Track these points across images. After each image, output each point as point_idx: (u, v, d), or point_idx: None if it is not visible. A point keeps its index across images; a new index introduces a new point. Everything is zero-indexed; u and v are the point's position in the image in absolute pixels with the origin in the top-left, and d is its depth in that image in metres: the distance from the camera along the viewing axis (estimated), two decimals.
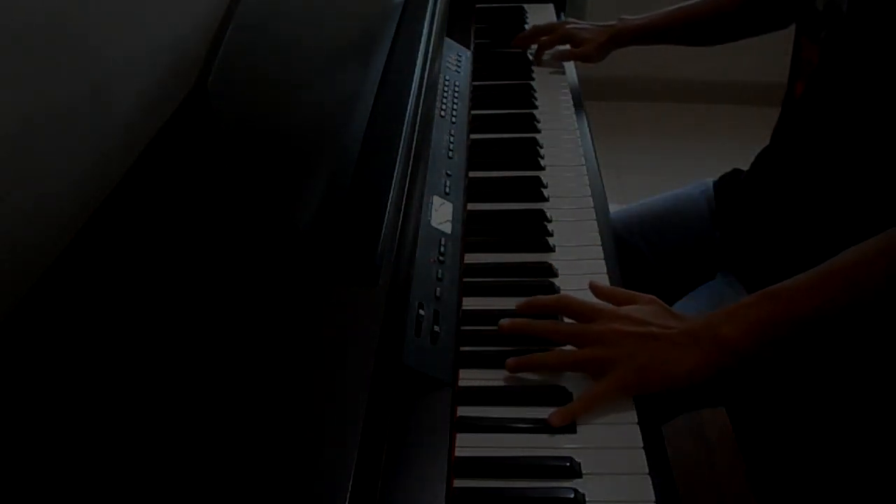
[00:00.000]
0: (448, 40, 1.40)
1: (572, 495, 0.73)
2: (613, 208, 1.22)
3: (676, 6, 1.44)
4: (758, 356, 0.78)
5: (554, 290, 0.97)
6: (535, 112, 1.34)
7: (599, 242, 1.04)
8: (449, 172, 1.09)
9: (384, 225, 0.81)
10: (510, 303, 0.95)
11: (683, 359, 0.77)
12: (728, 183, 1.31)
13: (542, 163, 1.21)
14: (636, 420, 0.80)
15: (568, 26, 1.48)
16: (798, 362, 1.09)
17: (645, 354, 0.78)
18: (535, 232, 1.07)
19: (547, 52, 1.49)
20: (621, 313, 0.82)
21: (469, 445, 0.78)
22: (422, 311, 0.85)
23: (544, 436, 0.79)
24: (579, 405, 0.78)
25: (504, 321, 0.86)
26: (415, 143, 0.97)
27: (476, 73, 1.43)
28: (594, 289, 0.88)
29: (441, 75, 1.28)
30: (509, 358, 0.83)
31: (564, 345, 0.84)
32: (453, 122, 1.21)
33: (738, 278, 1.18)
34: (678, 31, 1.45)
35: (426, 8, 1.26)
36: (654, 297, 0.84)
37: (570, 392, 0.83)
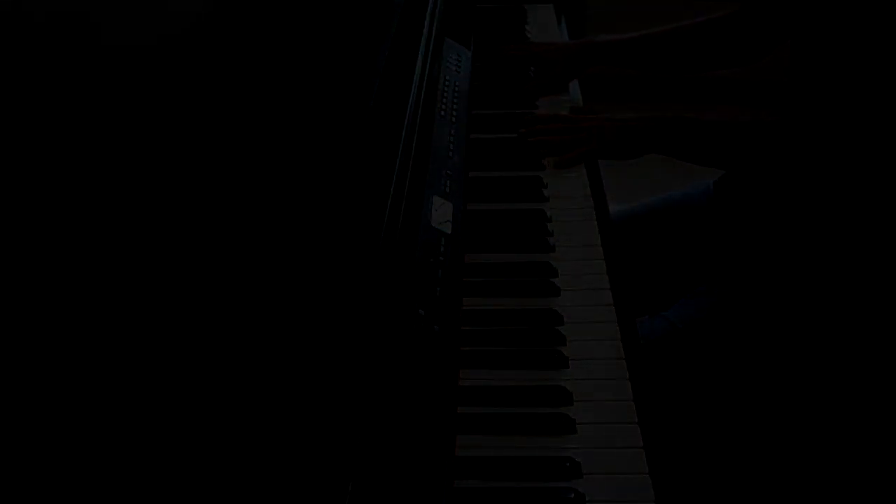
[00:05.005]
0: (448, 40, 1.40)
1: (572, 495, 0.73)
2: (613, 208, 1.22)
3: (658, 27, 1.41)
4: (651, 129, 1.27)
5: (554, 290, 0.97)
6: (535, 112, 1.34)
7: (599, 242, 1.04)
8: (449, 172, 1.09)
9: (384, 225, 0.81)
10: (510, 303, 0.95)
11: (615, 128, 1.24)
12: (728, 183, 1.31)
13: (543, 162, 1.21)
14: (636, 420, 0.80)
15: (535, 49, 1.47)
16: (795, 363, 1.09)
17: (603, 130, 1.24)
18: (535, 232, 1.07)
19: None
20: (586, 120, 1.26)
21: (469, 445, 0.78)
22: (422, 311, 0.85)
23: (544, 436, 0.79)
24: (574, 155, 1.19)
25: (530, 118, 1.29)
26: (415, 142, 0.97)
27: (476, 73, 1.43)
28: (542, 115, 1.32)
29: (441, 75, 1.28)
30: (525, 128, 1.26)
31: (564, 140, 1.23)
32: (453, 122, 1.20)
33: (739, 278, 1.18)
34: (656, 48, 1.42)
35: (426, 8, 1.26)
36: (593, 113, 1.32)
37: (569, 392, 0.83)
